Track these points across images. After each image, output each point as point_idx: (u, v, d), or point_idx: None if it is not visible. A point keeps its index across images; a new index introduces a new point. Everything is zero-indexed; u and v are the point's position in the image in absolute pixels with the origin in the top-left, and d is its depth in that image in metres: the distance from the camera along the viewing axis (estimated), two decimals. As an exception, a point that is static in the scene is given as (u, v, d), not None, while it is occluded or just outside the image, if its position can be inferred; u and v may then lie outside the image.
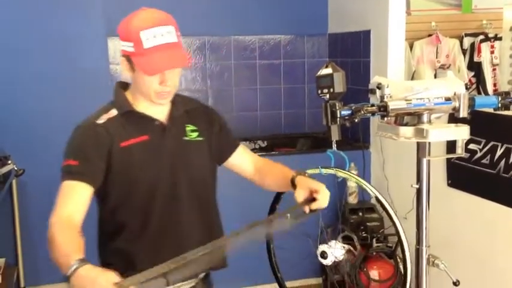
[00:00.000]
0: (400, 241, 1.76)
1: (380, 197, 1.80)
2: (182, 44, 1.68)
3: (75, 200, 1.58)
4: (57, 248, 1.44)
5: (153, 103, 1.70)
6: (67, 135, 1.70)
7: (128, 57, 1.65)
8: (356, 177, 1.90)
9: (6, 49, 3.65)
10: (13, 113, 3.61)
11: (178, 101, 1.79)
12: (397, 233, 1.76)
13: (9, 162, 3.29)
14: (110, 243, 1.73)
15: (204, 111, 1.87)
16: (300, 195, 1.69)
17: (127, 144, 1.67)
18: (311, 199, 1.67)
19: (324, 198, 1.67)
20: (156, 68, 1.61)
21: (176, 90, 1.73)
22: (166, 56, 1.60)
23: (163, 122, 1.74)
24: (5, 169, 3.22)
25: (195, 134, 1.79)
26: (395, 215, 1.78)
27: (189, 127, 1.79)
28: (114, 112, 1.71)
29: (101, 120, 1.69)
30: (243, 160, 1.94)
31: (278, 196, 2.03)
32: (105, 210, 1.73)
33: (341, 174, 1.85)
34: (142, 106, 1.73)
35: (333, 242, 1.86)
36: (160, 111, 1.74)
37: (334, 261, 1.86)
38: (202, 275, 1.81)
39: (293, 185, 1.72)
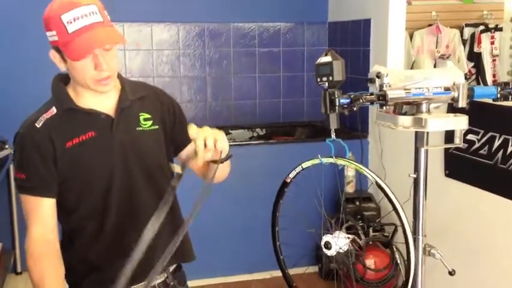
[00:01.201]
0: (402, 225, 1.75)
1: (380, 182, 1.79)
2: (111, 23, 1.51)
3: (41, 216, 1.54)
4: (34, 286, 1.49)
5: (96, 93, 1.55)
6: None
7: (56, 47, 1.49)
8: (355, 163, 1.88)
9: (5, 35, 3.63)
10: (10, 96, 3.60)
11: (127, 89, 1.63)
12: (399, 217, 1.75)
13: (7, 146, 3.29)
14: (71, 248, 1.65)
15: (158, 98, 1.71)
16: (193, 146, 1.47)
17: (72, 143, 1.54)
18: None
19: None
20: (84, 51, 1.44)
21: (116, 74, 1.57)
22: (91, 36, 1.44)
23: (109, 115, 1.59)
24: (2, 154, 3.22)
25: (149, 123, 1.65)
26: (397, 199, 1.77)
27: (143, 115, 1.65)
28: (53, 110, 1.57)
29: (40, 122, 1.55)
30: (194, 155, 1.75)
31: (282, 190, 1.97)
32: (62, 214, 1.62)
33: (341, 161, 1.84)
34: (86, 100, 1.58)
35: (336, 233, 1.84)
36: (106, 103, 1.60)
37: (338, 252, 1.82)
38: (172, 268, 1.73)
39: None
